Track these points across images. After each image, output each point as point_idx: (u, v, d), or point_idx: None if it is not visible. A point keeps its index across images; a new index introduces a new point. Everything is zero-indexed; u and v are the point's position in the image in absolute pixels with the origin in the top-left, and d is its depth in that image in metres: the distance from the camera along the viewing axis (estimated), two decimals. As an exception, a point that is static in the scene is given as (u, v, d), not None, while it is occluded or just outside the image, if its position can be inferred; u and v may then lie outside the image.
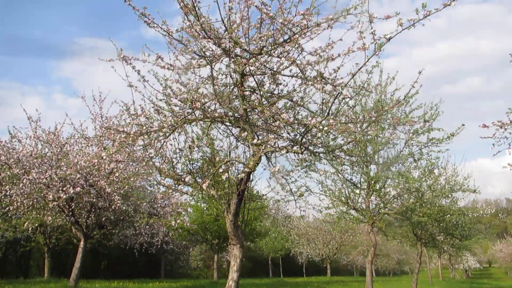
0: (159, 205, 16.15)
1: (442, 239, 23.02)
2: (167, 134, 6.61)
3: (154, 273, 28.88)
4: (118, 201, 12.68)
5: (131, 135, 6.27)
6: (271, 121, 6.34)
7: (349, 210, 14.34)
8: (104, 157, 6.50)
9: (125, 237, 24.88)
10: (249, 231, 22.76)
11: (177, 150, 7.05)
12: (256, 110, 6.34)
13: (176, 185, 7.42)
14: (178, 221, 20.65)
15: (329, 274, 37.42)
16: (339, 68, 5.47)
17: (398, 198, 14.51)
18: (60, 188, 12.97)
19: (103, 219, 14.68)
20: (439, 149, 11.92)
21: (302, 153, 5.66)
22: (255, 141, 6.04)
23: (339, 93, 5.25)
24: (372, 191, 14.06)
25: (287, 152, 5.85)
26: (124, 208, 13.20)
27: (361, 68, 5.00)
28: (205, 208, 22.99)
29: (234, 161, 6.61)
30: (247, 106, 6.35)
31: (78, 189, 12.41)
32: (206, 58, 6.08)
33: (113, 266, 30.37)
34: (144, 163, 7.91)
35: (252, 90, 6.32)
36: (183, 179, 7.14)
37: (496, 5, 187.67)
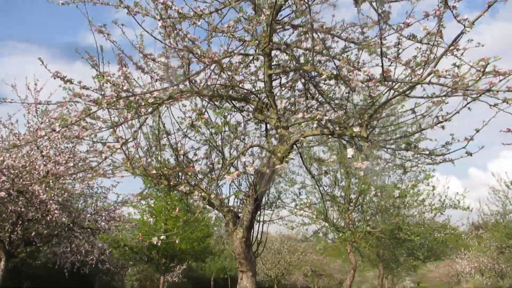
0: (103, 217, 13.46)
1: (402, 260, 22.10)
2: (160, 102, 4.46)
3: (85, 296, 25.44)
4: (56, 211, 10.03)
5: (106, 99, 4.07)
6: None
7: (329, 227, 12.70)
8: (57, 130, 4.23)
9: (54, 255, 21.54)
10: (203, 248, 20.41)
11: (162, 134, 4.91)
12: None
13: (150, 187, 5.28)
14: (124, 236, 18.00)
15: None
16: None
17: (381, 214, 13.09)
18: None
19: (32, 233, 11.81)
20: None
21: (367, 140, 3.84)
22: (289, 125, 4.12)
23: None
24: (354, 205, 12.53)
25: (352, 137, 3.95)
26: (63, 219, 10.53)
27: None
28: (151, 223, 20.33)
29: (262, 148, 4.57)
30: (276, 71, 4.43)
31: (2, 194, 9.62)
32: None
33: (37, 289, 26.45)
34: (104, 157, 5.61)
35: (285, 45, 4.39)
36: (168, 179, 5.00)
37: None
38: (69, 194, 11.58)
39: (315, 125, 4.32)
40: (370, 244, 13.44)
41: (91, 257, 21.75)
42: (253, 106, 4.99)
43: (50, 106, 13.64)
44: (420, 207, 12.26)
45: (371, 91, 3.95)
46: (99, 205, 13.86)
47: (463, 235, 21.95)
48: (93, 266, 21.75)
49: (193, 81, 4.80)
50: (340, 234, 12.58)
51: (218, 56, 4.33)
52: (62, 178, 11.51)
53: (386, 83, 3.91)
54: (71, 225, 11.88)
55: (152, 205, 20.94)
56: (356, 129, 3.89)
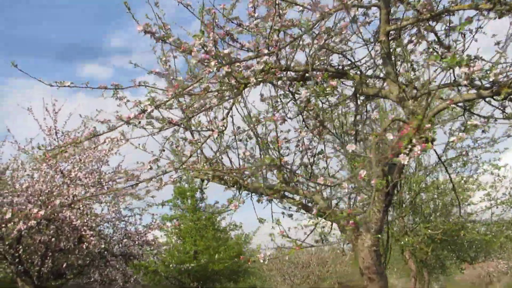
0: (135, 242, 12.35)
1: (448, 264, 20.62)
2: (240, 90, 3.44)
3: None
4: (92, 238, 8.96)
5: (173, 89, 3.06)
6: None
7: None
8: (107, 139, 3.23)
9: (78, 287, 20.43)
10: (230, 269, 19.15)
11: (255, 122, 3.88)
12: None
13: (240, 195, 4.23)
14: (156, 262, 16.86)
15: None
16: None
17: (439, 213, 11.95)
18: (3, 225, 9.10)
19: (64, 265, 10.72)
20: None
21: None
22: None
23: None
24: (412, 206, 11.42)
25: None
26: (102, 246, 9.47)
27: None
28: (179, 245, 19.19)
29: (404, 122, 3.46)
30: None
31: (32, 223, 8.57)
32: None
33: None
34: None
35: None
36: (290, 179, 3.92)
37: None
38: (100, 219, 10.54)
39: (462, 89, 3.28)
40: (432, 248, 12.27)
41: (116, 287, 20.63)
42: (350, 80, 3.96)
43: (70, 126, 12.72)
44: (484, 202, 11.11)
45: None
46: (129, 229, 12.82)
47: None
48: (118, 296, 20.66)
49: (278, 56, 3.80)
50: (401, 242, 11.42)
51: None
52: (91, 200, 10.53)
53: None
54: (105, 252, 10.79)
55: (178, 227, 19.85)
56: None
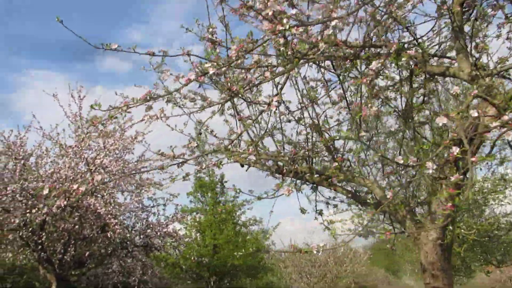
0: (157, 233, 12.14)
1: (473, 267, 19.95)
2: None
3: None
4: (117, 226, 8.77)
5: (236, 49, 2.75)
6: None
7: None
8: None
9: (95, 277, 20.38)
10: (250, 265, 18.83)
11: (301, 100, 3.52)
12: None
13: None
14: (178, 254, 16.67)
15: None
16: None
17: (472, 211, 11.46)
18: (27, 211, 8.98)
19: (87, 253, 10.58)
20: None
21: None
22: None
23: None
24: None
25: None
26: (127, 235, 9.29)
27: None
28: (199, 239, 18.98)
29: (488, 101, 3.07)
30: None
31: (55, 210, 8.42)
32: None
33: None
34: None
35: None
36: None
37: None
38: (124, 208, 10.36)
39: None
40: (465, 248, 11.79)
41: (133, 278, 20.54)
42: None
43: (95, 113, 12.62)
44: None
45: None
46: (150, 220, 12.64)
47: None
48: (135, 287, 20.53)
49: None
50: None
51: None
52: (115, 189, 10.37)
53: None
54: (127, 242, 10.62)
55: (197, 220, 19.64)
56: None
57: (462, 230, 10.67)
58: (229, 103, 3.91)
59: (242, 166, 4.54)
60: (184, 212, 18.87)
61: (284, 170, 3.97)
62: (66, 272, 11.07)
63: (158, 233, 12.26)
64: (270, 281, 30.79)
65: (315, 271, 32.62)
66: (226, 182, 20.11)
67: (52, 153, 10.71)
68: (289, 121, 3.82)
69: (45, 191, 2.70)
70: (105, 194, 9.77)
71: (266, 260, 24.80)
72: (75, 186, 2.96)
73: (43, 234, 9.63)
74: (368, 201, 3.72)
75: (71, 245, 10.33)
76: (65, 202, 8.72)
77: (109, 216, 9.04)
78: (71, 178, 9.36)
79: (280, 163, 4.08)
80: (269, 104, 3.11)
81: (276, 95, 3.59)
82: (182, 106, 3.82)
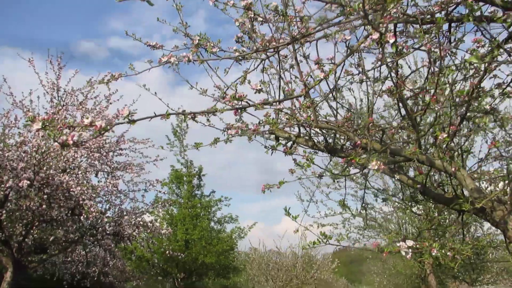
0: (132, 222, 10.98)
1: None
2: None
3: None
4: (93, 209, 7.65)
5: None
6: None
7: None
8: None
9: (53, 266, 18.90)
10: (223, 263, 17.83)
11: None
12: None
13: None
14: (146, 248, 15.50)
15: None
16: None
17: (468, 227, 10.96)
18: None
19: (51, 238, 9.36)
20: None
21: None
22: None
23: None
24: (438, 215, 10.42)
25: None
26: (105, 220, 8.18)
27: None
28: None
29: None
30: None
31: (24, 182, 7.24)
32: None
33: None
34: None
35: None
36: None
37: None
38: (100, 190, 9.21)
39: None
40: (460, 264, 11.24)
41: (93, 269, 19.19)
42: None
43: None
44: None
45: None
46: (123, 207, 11.47)
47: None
48: (95, 278, 19.20)
49: None
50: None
51: None
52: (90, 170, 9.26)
53: None
54: (99, 229, 9.47)
55: (170, 212, 18.48)
56: None
57: (459, 245, 10.12)
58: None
59: (278, 140, 3.64)
60: (156, 203, 17.71)
61: (339, 146, 3.11)
62: (25, 257, 9.83)
63: (133, 222, 11.13)
64: (237, 282, 29.87)
65: (281, 275, 31.91)
66: (204, 175, 19.08)
67: (21, 123, 9.47)
68: (361, 81, 2.98)
69: (36, 126, 1.73)
70: (80, 172, 8.65)
71: (236, 260, 23.91)
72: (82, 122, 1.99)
73: (3, 212, 8.39)
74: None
75: (34, 227, 9.11)
76: (34, 177, 7.57)
77: (83, 197, 7.91)
78: (43, 150, 8.18)
79: (330, 139, 3.22)
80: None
81: (347, 49, 2.72)
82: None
